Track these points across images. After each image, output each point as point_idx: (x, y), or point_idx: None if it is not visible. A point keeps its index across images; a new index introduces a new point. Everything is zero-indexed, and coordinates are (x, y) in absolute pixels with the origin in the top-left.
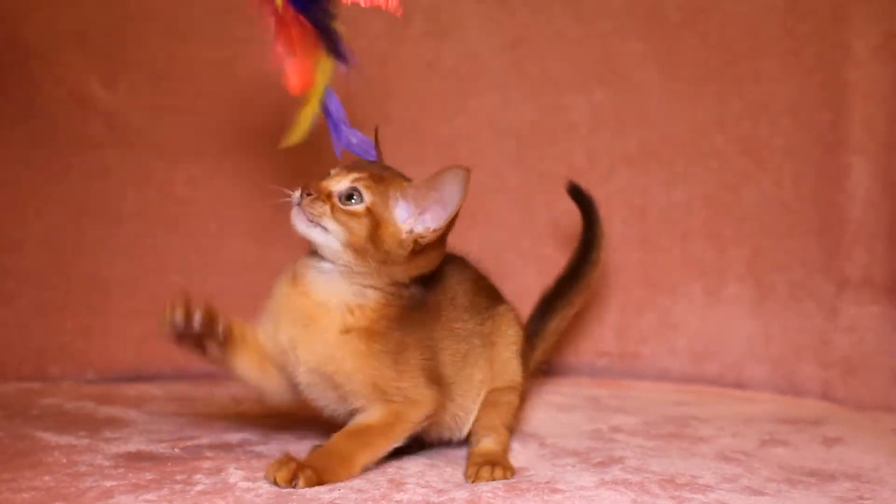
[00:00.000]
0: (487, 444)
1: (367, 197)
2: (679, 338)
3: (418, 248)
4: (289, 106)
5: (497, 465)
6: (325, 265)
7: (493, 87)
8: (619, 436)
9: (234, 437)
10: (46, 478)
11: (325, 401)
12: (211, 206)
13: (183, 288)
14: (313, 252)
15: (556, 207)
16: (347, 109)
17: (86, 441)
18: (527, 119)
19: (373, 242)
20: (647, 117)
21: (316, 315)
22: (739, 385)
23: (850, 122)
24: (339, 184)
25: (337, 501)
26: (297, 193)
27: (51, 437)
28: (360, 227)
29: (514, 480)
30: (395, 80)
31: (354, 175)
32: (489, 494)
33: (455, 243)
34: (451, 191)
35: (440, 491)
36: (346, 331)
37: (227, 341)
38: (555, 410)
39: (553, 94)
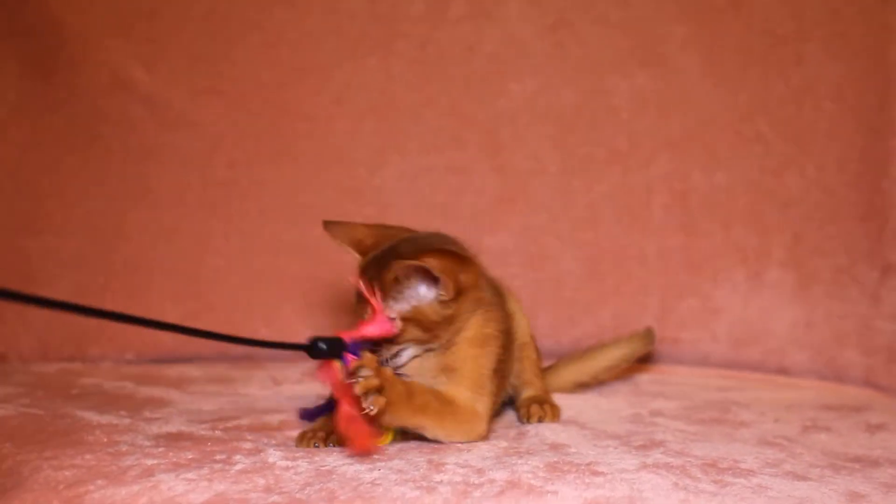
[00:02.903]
0: (528, 392)
1: (395, 312)
2: (720, 323)
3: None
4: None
5: (545, 403)
6: None
7: (534, 71)
8: (660, 420)
9: (274, 418)
10: (88, 456)
11: None
12: (251, 189)
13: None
14: None
15: (596, 191)
16: (389, 94)
17: (126, 421)
18: (568, 103)
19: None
20: (689, 101)
21: None
22: (781, 371)
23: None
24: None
25: (378, 481)
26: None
27: (92, 417)
28: (413, 331)
29: (554, 460)
30: (435, 63)
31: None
32: (529, 475)
33: (495, 227)
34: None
35: (479, 471)
36: None
37: None
38: (594, 395)
39: (594, 77)
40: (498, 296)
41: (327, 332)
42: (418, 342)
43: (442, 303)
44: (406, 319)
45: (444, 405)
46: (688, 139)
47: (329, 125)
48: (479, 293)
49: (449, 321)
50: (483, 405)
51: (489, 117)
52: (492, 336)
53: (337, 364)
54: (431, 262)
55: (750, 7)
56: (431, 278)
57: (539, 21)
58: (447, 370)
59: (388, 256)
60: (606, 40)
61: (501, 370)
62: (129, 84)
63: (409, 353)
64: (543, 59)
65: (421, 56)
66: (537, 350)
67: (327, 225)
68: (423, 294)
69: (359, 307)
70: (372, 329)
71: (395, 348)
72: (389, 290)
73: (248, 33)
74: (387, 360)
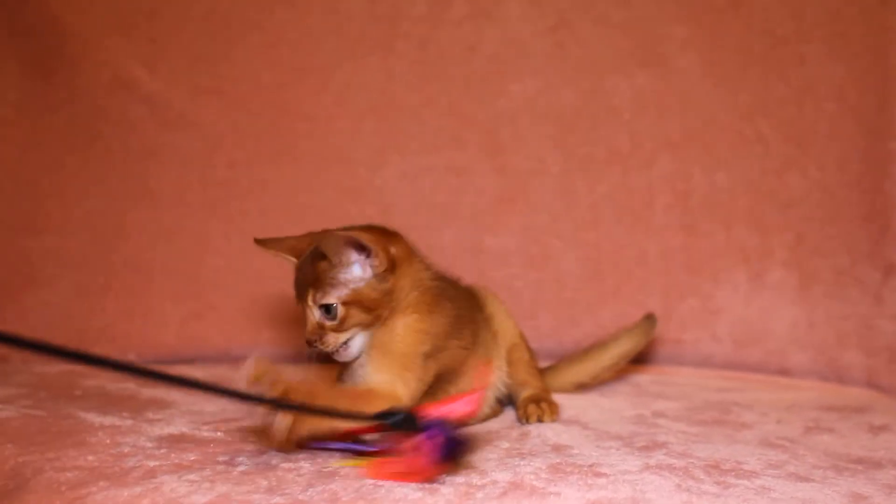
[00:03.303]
0: (526, 392)
1: (334, 299)
2: (722, 324)
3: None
4: (326, 88)
5: (542, 401)
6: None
7: (535, 71)
8: (662, 421)
9: None
10: (90, 457)
11: None
12: (252, 189)
13: None
14: None
15: (597, 192)
16: (389, 94)
17: (129, 422)
18: (568, 103)
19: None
20: (689, 102)
21: None
22: (782, 372)
23: None
24: (315, 312)
25: (380, 482)
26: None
27: (94, 418)
28: (355, 314)
29: (556, 462)
30: (435, 63)
31: (313, 295)
32: (531, 476)
33: (496, 228)
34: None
35: (482, 472)
36: None
37: None
38: (596, 396)
39: (595, 78)
40: (465, 295)
41: None
42: (363, 325)
43: (378, 277)
44: (347, 304)
45: (355, 399)
46: (689, 139)
47: (329, 125)
48: (416, 273)
49: (388, 296)
50: (405, 387)
51: (490, 117)
52: (427, 317)
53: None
54: (359, 234)
55: (750, 7)
56: (364, 253)
57: (539, 21)
58: (374, 348)
59: (317, 251)
60: (607, 41)
61: (441, 358)
62: (129, 84)
63: (358, 340)
64: (544, 60)
65: (421, 56)
66: (530, 350)
67: (260, 242)
68: (357, 274)
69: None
70: (458, 407)
71: (343, 336)
72: (325, 277)
73: (249, 33)
74: (337, 352)
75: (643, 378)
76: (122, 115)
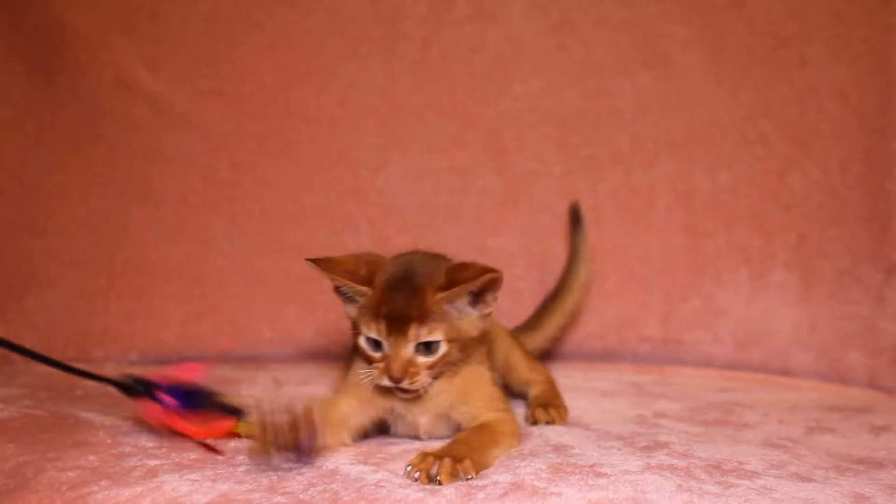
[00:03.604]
0: (535, 389)
1: (440, 335)
2: (724, 324)
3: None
4: (328, 88)
5: (550, 406)
6: None
7: (537, 72)
8: (664, 421)
9: None
10: (91, 457)
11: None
12: (254, 190)
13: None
14: None
15: (600, 192)
16: (391, 94)
17: (130, 422)
18: (570, 104)
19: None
20: (692, 102)
21: None
22: (784, 372)
23: None
24: (409, 347)
25: (381, 482)
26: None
27: (95, 418)
28: (453, 352)
29: (557, 462)
30: (438, 64)
31: (416, 329)
32: (532, 476)
33: (498, 228)
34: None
35: (483, 473)
36: None
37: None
38: (598, 396)
39: (597, 78)
40: None
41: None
42: (451, 364)
43: (482, 317)
44: (450, 341)
45: (482, 436)
46: (691, 140)
47: (331, 126)
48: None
49: (482, 338)
50: (508, 415)
51: (492, 118)
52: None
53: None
54: (488, 276)
55: (752, 8)
56: (474, 294)
57: (542, 22)
58: (461, 395)
59: (409, 281)
60: (609, 41)
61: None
62: (132, 85)
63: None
64: (546, 60)
65: (424, 57)
66: (521, 345)
67: (315, 262)
68: (466, 310)
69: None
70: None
71: (427, 375)
72: (435, 311)
73: (251, 34)
74: (415, 391)
75: (645, 378)
76: (124, 116)
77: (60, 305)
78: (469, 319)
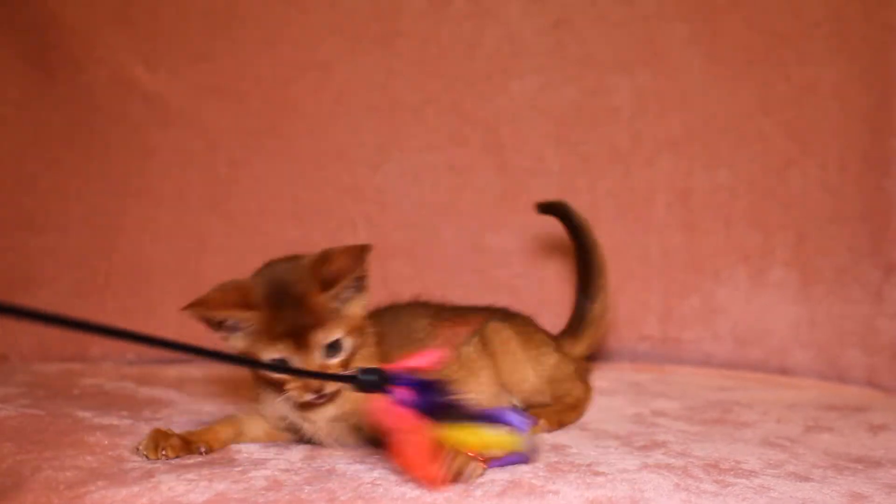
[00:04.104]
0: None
1: (341, 331)
2: (722, 323)
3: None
4: (326, 86)
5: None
6: None
7: (535, 69)
8: (662, 420)
9: None
10: (88, 457)
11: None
12: (252, 187)
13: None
14: None
15: (598, 190)
16: (390, 92)
17: (127, 421)
18: (568, 101)
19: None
20: (690, 100)
21: None
22: (783, 371)
23: None
24: (315, 356)
25: (378, 481)
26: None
27: (92, 417)
28: (356, 341)
29: (555, 461)
30: (436, 60)
31: (317, 335)
32: (530, 475)
33: (496, 226)
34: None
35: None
36: None
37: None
38: (596, 394)
39: (595, 76)
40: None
41: None
42: (355, 352)
43: (363, 293)
44: (349, 332)
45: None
46: (689, 138)
47: (329, 123)
48: None
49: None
50: None
51: (490, 115)
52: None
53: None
54: (365, 255)
55: (751, 6)
56: (357, 278)
57: (540, 19)
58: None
59: (288, 291)
60: (608, 38)
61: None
62: (129, 82)
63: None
64: (544, 58)
65: (422, 54)
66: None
67: (193, 306)
68: (349, 297)
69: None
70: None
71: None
72: (326, 311)
73: (249, 31)
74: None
75: (643, 377)
76: (121, 113)
77: (57, 303)
78: (356, 302)
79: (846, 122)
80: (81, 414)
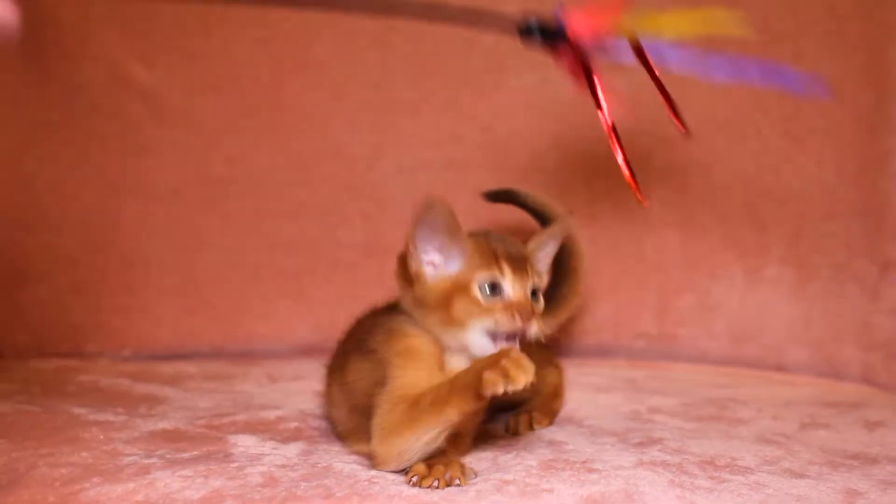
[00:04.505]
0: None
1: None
2: (718, 320)
3: None
4: (323, 83)
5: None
6: None
7: (532, 66)
8: (658, 417)
9: (270, 414)
10: (84, 453)
11: None
12: (248, 185)
13: None
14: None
15: (595, 188)
16: (386, 89)
17: (123, 418)
18: (565, 98)
19: None
20: (687, 97)
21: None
22: (779, 368)
23: (893, 103)
24: (528, 287)
25: (375, 478)
26: (508, 290)
27: (88, 414)
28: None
29: (550, 458)
30: (432, 57)
31: (532, 271)
32: (524, 473)
33: (493, 223)
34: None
35: (476, 469)
36: None
37: None
38: (592, 392)
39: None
40: None
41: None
42: None
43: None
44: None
45: None
46: (685, 135)
47: (326, 120)
48: None
49: None
50: None
51: (487, 112)
52: None
53: None
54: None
55: (747, 3)
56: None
57: (537, 16)
58: None
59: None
60: None
61: None
62: (126, 79)
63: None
64: (541, 55)
65: (418, 51)
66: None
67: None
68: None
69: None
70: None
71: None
72: (531, 258)
73: (245, 28)
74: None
75: (639, 374)
76: (118, 111)
77: (54, 301)
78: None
79: (842, 119)
80: (77, 410)
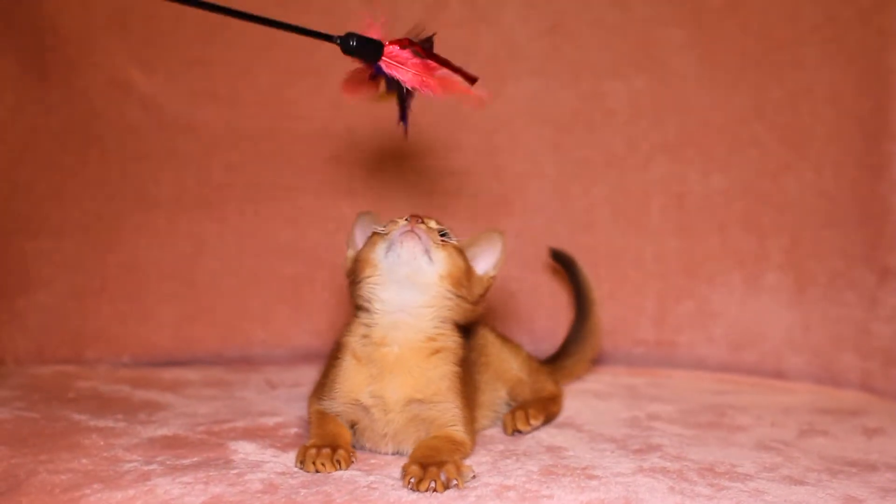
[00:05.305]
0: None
1: (453, 238)
2: (717, 327)
3: (485, 292)
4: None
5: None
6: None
7: (531, 74)
8: (657, 424)
9: (270, 420)
10: (84, 460)
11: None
12: (248, 191)
13: None
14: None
15: (594, 194)
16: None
17: (122, 424)
18: (564, 106)
19: (466, 277)
20: (686, 105)
21: (404, 355)
22: (778, 375)
23: (893, 111)
24: (430, 223)
25: (374, 485)
26: (403, 221)
27: (88, 420)
28: (460, 260)
29: (550, 464)
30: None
31: (434, 221)
32: (524, 478)
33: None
34: (491, 249)
35: (475, 475)
36: (436, 351)
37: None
38: (591, 398)
39: (591, 80)
40: None
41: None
42: (450, 276)
43: (486, 279)
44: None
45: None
46: (685, 143)
47: (325, 127)
48: None
49: (471, 294)
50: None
51: (486, 120)
52: None
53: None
54: None
55: (747, 11)
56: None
57: (536, 24)
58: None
59: None
60: (603, 44)
61: None
62: (126, 86)
63: (438, 260)
64: (540, 63)
65: None
66: (529, 365)
67: None
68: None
69: None
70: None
71: (434, 225)
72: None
73: (245, 35)
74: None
75: (638, 380)
76: (118, 118)
77: (53, 307)
78: (471, 264)
79: (841, 126)
80: (77, 417)
